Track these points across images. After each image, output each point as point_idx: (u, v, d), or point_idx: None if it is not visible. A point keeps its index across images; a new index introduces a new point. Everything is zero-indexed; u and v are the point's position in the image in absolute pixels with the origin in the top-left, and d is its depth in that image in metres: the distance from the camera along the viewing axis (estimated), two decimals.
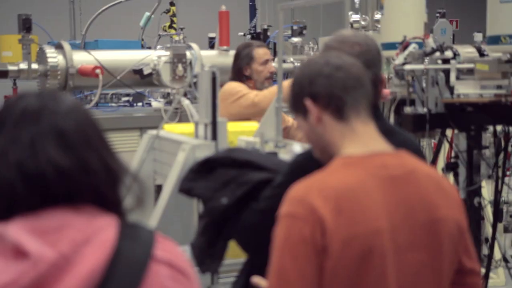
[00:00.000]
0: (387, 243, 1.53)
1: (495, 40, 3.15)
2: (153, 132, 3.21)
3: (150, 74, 4.69)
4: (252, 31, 7.74)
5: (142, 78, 4.68)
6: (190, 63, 4.83)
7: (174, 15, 7.62)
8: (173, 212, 2.80)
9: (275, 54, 5.42)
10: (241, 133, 3.14)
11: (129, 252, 1.12)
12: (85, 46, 5.53)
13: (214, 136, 2.86)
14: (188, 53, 4.91)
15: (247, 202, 1.96)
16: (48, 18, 13.25)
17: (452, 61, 3.26)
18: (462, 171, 3.55)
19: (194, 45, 5.11)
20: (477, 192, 3.52)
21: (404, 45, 3.43)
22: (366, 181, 1.56)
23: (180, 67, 4.70)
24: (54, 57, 4.46)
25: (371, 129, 1.67)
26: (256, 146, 2.74)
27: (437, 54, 3.32)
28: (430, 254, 1.60)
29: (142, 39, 7.43)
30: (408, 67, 3.34)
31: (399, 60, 3.38)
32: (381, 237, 1.52)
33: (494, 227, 3.52)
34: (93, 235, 1.12)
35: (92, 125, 1.22)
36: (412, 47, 3.41)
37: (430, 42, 3.38)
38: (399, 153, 1.67)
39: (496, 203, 3.48)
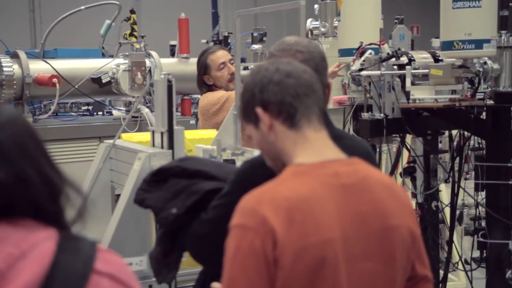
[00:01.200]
0: (340, 253, 1.52)
1: (448, 45, 3.20)
2: (110, 141, 3.18)
3: (109, 83, 4.64)
4: (214, 38, 7.73)
5: (101, 86, 4.62)
6: (150, 71, 4.80)
7: (134, 23, 7.54)
8: (130, 222, 2.77)
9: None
10: (199, 141, 3.13)
11: (68, 265, 1.09)
12: (45, 55, 5.46)
13: (171, 145, 2.85)
14: (147, 61, 4.88)
15: (198, 212, 1.95)
16: (9, 27, 13.09)
17: (407, 67, 3.30)
18: (419, 175, 3.59)
19: (153, 53, 5.09)
20: (435, 196, 3.56)
21: (360, 51, 3.45)
22: (318, 190, 1.54)
23: (139, 75, 4.67)
24: (9, 66, 4.39)
25: (324, 136, 1.66)
26: (213, 154, 2.73)
27: (393, 60, 3.35)
28: (383, 262, 1.59)
29: (103, 47, 7.36)
30: (364, 73, 3.37)
31: (355, 66, 3.41)
32: (333, 248, 1.51)
33: (452, 230, 3.56)
34: (30, 249, 1.09)
35: (31, 137, 1.19)
36: (368, 53, 3.44)
37: (386, 48, 3.41)
38: (352, 160, 1.66)
39: (453, 207, 3.52)
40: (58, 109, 5.11)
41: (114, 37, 7.77)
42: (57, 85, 4.36)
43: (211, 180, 2.01)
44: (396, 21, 5.40)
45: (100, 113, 5.67)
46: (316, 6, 5.00)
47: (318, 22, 5.20)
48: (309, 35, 5.26)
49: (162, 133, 2.85)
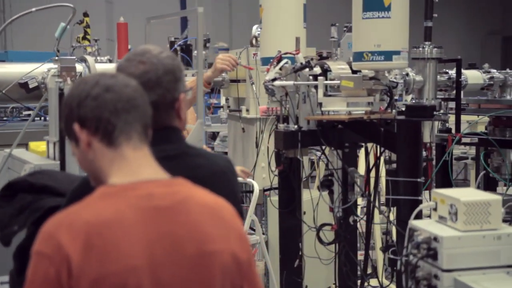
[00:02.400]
0: (147, 281, 1.42)
1: (359, 56, 3.11)
2: (7, 150, 3.07)
3: (36, 88, 4.52)
4: (181, 43, 7.58)
5: (28, 92, 4.51)
6: (81, 76, 4.68)
7: (87, 26, 7.47)
8: None
9: None
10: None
11: None
12: None
13: (62, 156, 2.75)
14: (80, 67, 4.76)
15: None
16: None
17: (319, 78, 3.21)
18: (336, 189, 3.50)
19: (88, 58, 4.97)
20: (352, 210, 3.48)
21: (275, 60, 3.37)
22: (125, 213, 1.45)
23: (69, 80, 4.55)
24: None
25: (144, 155, 1.57)
26: None
27: (306, 70, 3.27)
28: None
29: (58, 50, 7.25)
30: (277, 83, 3.28)
31: (269, 75, 3.32)
32: (137, 276, 1.41)
33: (367, 245, 3.47)
34: None
35: None
36: (284, 63, 3.35)
37: (300, 58, 3.32)
38: (173, 181, 1.56)
39: (368, 222, 3.44)
40: None
41: (70, 40, 7.68)
42: None
43: (58, 196, 1.91)
44: (345, 29, 5.32)
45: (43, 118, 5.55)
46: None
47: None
48: (254, 42, 5.19)
49: (54, 143, 2.75)
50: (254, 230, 4.95)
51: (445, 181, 3.80)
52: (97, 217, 1.42)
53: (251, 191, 4.73)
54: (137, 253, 1.42)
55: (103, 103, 1.53)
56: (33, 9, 7.06)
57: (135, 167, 1.54)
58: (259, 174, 5.01)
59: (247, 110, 5.08)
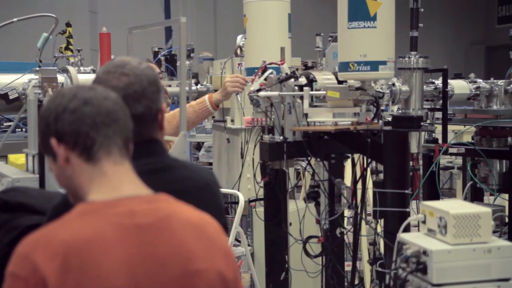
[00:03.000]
0: None
1: (344, 66, 3.07)
2: None
3: (17, 99, 4.42)
4: (165, 52, 7.51)
5: (8, 103, 4.40)
6: (62, 86, 4.60)
7: (70, 36, 7.39)
8: None
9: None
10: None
11: None
12: None
13: (41, 169, 2.68)
14: (61, 77, 4.68)
15: None
16: None
17: (305, 88, 3.17)
18: (323, 200, 3.45)
19: (70, 68, 4.89)
20: (339, 222, 3.43)
21: (261, 70, 3.32)
22: (105, 232, 1.38)
23: (50, 91, 4.46)
24: None
25: (125, 170, 1.50)
26: None
27: (292, 80, 3.22)
28: None
29: (40, 61, 7.17)
30: (262, 93, 3.23)
31: (254, 86, 3.27)
32: None
33: (354, 258, 3.42)
34: None
35: None
36: (269, 73, 3.31)
37: (285, 68, 3.27)
38: (155, 197, 1.50)
39: (355, 234, 3.39)
40: None
41: (51, 50, 7.60)
42: None
43: (35, 214, 1.84)
44: (330, 39, 5.31)
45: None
46: None
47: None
48: (239, 52, 5.14)
49: (33, 156, 2.68)
50: (239, 241, 4.89)
51: (432, 192, 3.76)
52: (75, 237, 1.36)
53: (236, 202, 4.67)
54: (118, 274, 1.35)
55: (82, 116, 1.47)
56: (15, 19, 6.98)
57: (115, 183, 1.47)
58: (244, 185, 4.96)
59: (232, 121, 5.03)
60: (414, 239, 2.36)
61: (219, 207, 2.01)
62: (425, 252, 2.26)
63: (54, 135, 1.47)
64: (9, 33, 12.59)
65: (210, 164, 6.53)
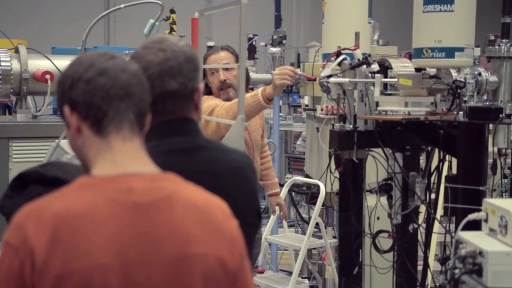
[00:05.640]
0: (115, 281, 1.31)
1: (418, 53, 2.90)
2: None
3: None
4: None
5: None
6: None
7: (174, 22, 7.52)
8: None
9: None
10: None
11: None
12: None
13: None
14: None
15: None
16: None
17: (377, 75, 3.02)
18: (396, 194, 3.29)
19: None
20: (412, 218, 3.26)
21: (332, 56, 3.20)
22: (99, 207, 1.34)
23: None
24: (7, 61, 4.38)
25: (133, 146, 1.45)
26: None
27: (364, 67, 3.08)
28: None
29: None
30: (332, 80, 3.12)
31: (324, 72, 3.16)
32: (104, 274, 1.30)
33: (426, 256, 3.24)
34: None
35: None
36: (342, 58, 3.18)
37: (358, 54, 3.14)
38: (160, 175, 1.44)
39: (428, 231, 3.20)
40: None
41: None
42: (49, 81, 4.31)
43: None
44: None
45: None
46: None
47: None
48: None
49: None
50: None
51: None
52: (68, 209, 1.33)
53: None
54: (107, 250, 1.31)
55: (95, 87, 1.43)
56: (122, 6, 7.22)
57: (120, 159, 1.43)
58: (332, 176, 4.84)
59: (322, 110, 4.92)
60: (472, 238, 2.18)
61: (251, 191, 1.94)
62: (480, 253, 2.09)
63: (68, 103, 1.45)
64: (117, 20, 13.07)
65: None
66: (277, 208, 4.40)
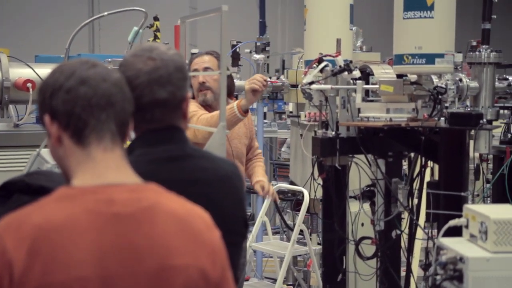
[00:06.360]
0: None
1: (399, 59, 2.90)
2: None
3: None
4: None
5: None
6: None
7: (157, 30, 7.51)
8: None
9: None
10: None
11: None
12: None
13: None
14: None
15: None
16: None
17: (358, 82, 3.03)
18: (379, 200, 3.29)
19: None
20: (395, 224, 3.26)
21: (313, 62, 3.20)
22: (79, 218, 1.32)
23: None
24: None
25: (114, 157, 1.43)
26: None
27: (346, 73, 3.09)
28: None
29: None
30: (314, 86, 3.12)
31: (306, 79, 3.16)
32: (84, 286, 1.27)
33: (408, 262, 3.24)
34: None
35: None
36: (324, 65, 3.19)
37: (340, 61, 3.14)
38: (141, 186, 1.42)
39: (411, 237, 3.21)
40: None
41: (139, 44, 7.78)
42: (31, 90, 4.27)
43: None
44: None
45: None
46: None
47: None
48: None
49: None
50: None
51: (501, 196, 3.50)
52: (47, 221, 1.31)
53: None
54: (87, 263, 1.29)
55: (76, 97, 1.40)
56: (105, 13, 7.19)
57: (101, 169, 1.41)
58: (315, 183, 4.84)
59: (305, 116, 4.92)
60: (453, 244, 2.19)
61: (238, 200, 1.93)
62: (461, 259, 2.09)
63: (48, 112, 1.42)
64: (101, 28, 13.03)
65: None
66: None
